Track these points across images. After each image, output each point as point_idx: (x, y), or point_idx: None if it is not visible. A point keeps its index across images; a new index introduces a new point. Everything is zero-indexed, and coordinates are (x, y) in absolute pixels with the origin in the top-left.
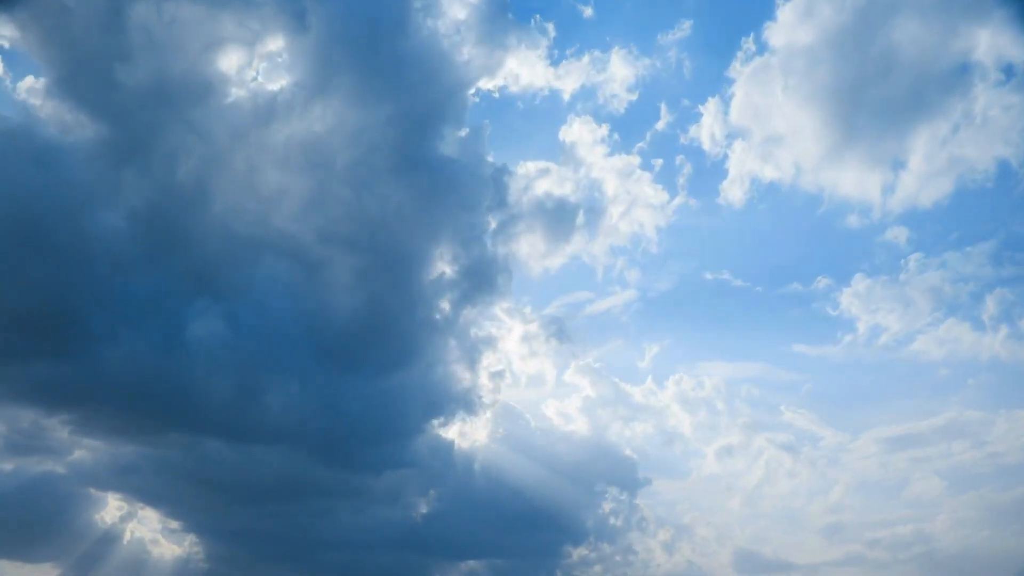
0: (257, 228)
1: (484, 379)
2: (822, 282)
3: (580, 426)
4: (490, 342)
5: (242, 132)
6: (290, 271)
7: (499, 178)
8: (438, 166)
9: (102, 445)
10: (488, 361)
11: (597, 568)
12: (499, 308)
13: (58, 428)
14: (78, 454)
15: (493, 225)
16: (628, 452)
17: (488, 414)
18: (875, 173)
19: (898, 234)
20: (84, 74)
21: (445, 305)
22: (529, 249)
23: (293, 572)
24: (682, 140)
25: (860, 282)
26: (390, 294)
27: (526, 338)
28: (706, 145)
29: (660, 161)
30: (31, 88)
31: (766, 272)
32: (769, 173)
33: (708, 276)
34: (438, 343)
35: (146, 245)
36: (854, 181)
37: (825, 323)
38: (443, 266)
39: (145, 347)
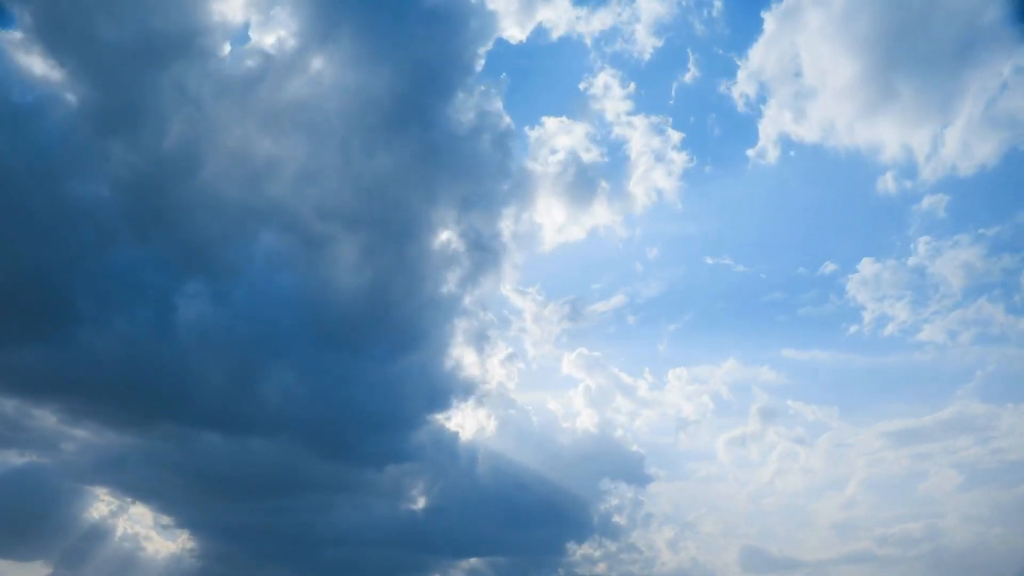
0: (252, 200)
1: (490, 366)
2: (829, 267)
3: (585, 420)
4: (497, 326)
5: (235, 92)
6: (288, 247)
7: (511, 141)
8: (447, 129)
9: (90, 436)
10: (495, 347)
11: (601, 566)
12: (509, 288)
13: (44, 418)
14: (65, 446)
15: (505, 190)
16: (635, 447)
17: (492, 405)
18: (915, 133)
19: (936, 202)
20: (63, 28)
21: (451, 283)
22: (545, 219)
23: (290, 570)
24: (709, 94)
25: (869, 266)
26: (394, 271)
27: (537, 322)
28: (735, 100)
29: (684, 119)
30: (7, 41)
31: (784, 250)
32: (802, 132)
33: (709, 261)
34: (443, 325)
35: (133, 218)
36: (892, 141)
37: (839, 312)
38: (451, 239)
39: (134, 331)
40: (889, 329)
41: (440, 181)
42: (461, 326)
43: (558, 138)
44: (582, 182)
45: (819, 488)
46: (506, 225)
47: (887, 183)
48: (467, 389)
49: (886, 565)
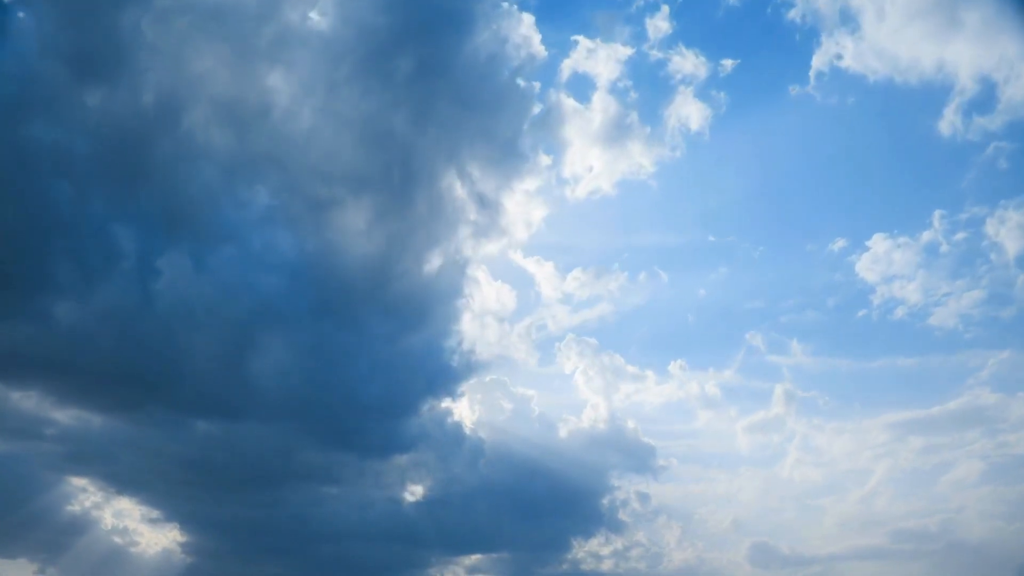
0: (244, 155)
1: (499, 342)
2: (839, 243)
3: (593, 410)
4: (510, 300)
5: (222, 26)
6: (284, 209)
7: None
8: (463, 63)
9: (71, 422)
10: (502, 326)
11: (607, 564)
12: (524, 256)
13: (21, 402)
14: (44, 432)
15: (526, 128)
16: (647, 440)
17: (497, 390)
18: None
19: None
20: None
21: (463, 247)
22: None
23: (285, 566)
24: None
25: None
26: (402, 234)
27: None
28: (787, 25)
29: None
30: None
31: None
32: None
33: (711, 239)
34: (451, 299)
35: (112, 175)
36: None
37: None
38: (465, 196)
39: (114, 302)
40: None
41: (454, 124)
42: (469, 300)
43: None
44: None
45: (825, 483)
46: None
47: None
48: (473, 369)
49: (899, 560)
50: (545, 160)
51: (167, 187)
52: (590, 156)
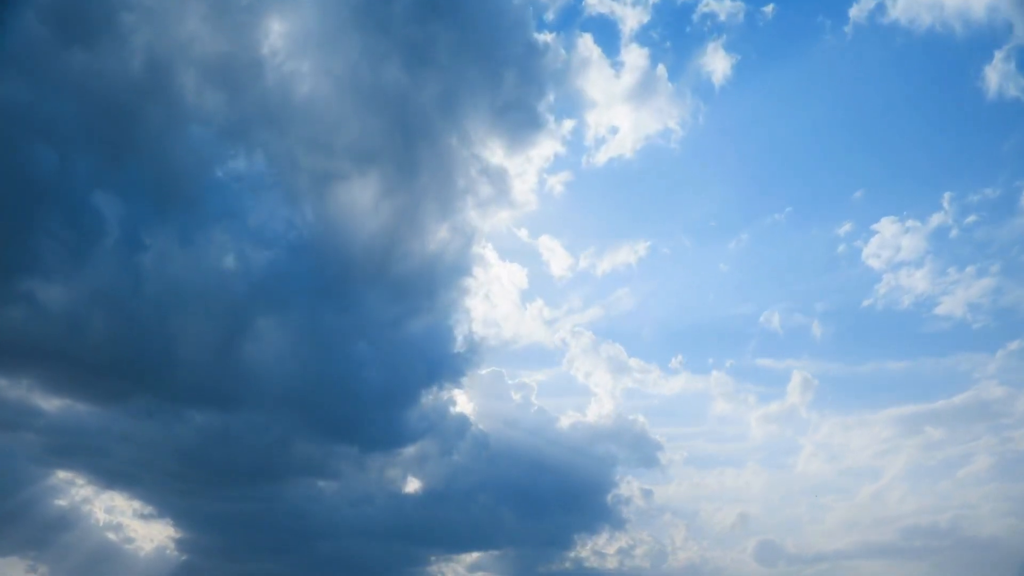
0: (235, 121)
1: (503, 326)
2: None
3: (599, 403)
4: (521, 280)
5: None
6: (281, 179)
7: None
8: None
9: (59, 412)
10: (510, 310)
11: (612, 562)
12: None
13: (5, 391)
14: (31, 423)
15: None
16: (655, 436)
17: (501, 383)
18: None
19: None
20: None
21: (471, 219)
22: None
23: (281, 564)
24: None
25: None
26: (404, 208)
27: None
28: None
29: None
30: None
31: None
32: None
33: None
34: (456, 279)
35: (97, 142)
36: None
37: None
38: (470, 164)
39: (101, 285)
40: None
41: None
42: (476, 281)
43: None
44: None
45: (830, 479)
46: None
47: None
48: (478, 356)
49: (908, 558)
50: (566, 125)
51: (156, 155)
52: (614, 115)
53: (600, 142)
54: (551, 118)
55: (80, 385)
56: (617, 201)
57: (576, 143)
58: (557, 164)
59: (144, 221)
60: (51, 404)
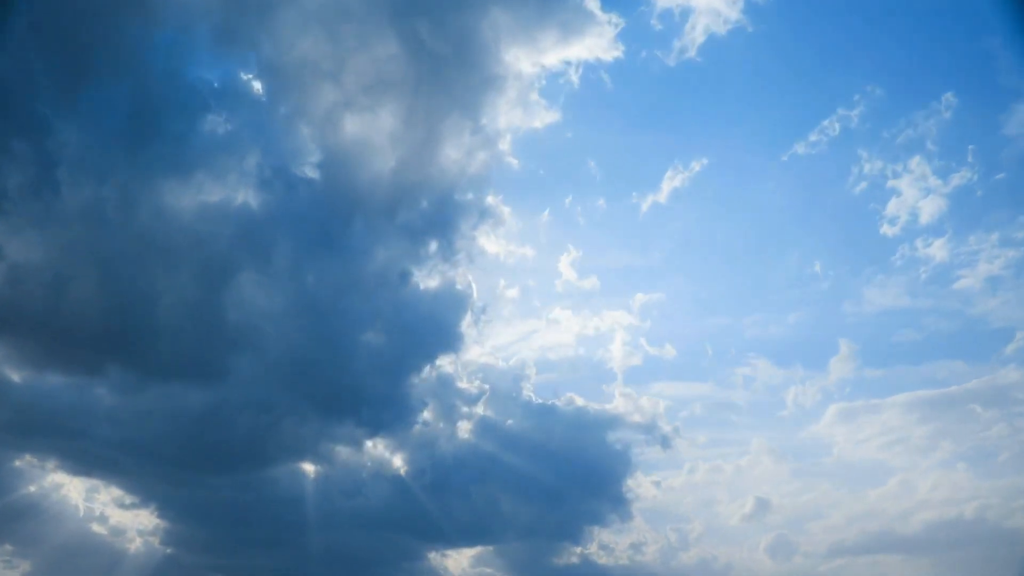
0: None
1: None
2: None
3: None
4: None
5: None
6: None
7: None
8: None
9: (23, 388)
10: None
11: (625, 555)
12: None
13: None
14: None
15: None
16: (665, 426)
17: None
18: None
19: None
20: None
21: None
22: None
23: (273, 557)
24: None
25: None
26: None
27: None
28: None
29: None
30: None
31: None
32: None
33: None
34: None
35: (58, 54)
36: None
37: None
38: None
39: (61, 233)
40: None
41: None
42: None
43: None
44: None
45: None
46: None
47: None
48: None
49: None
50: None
51: (125, 68)
52: None
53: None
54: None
55: (44, 356)
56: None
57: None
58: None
59: (111, 151)
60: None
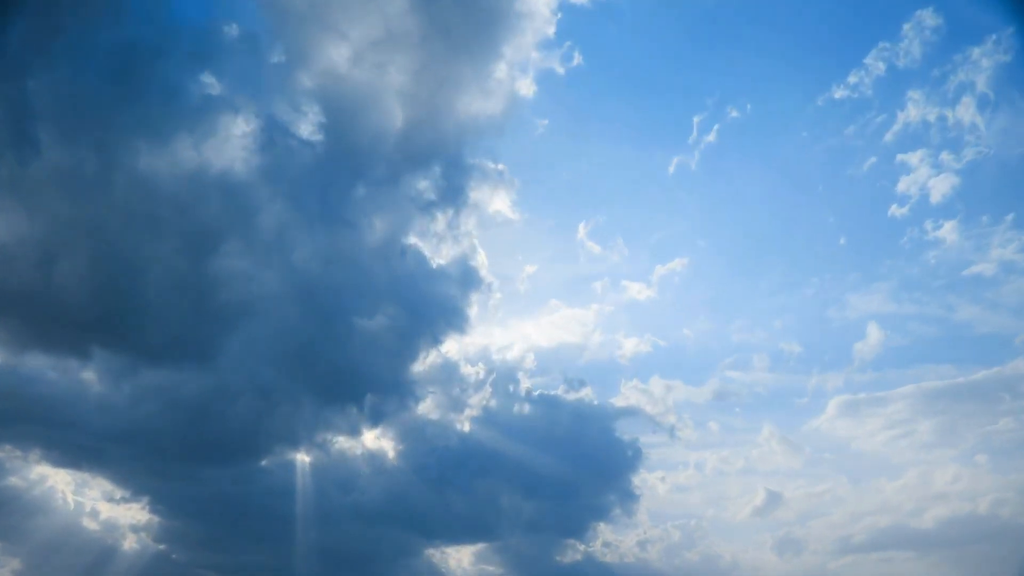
0: None
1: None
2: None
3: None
4: None
5: None
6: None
7: None
8: None
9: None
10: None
11: (630, 555)
12: None
13: None
14: None
15: None
16: (671, 418)
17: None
18: None
19: None
20: None
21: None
22: None
23: (267, 554)
24: None
25: None
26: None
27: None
28: None
29: None
30: None
31: None
32: None
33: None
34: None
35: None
36: None
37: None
38: None
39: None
40: None
41: None
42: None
43: None
44: None
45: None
46: None
47: None
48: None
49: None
50: None
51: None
52: None
53: None
54: None
55: (24, 338)
56: None
57: None
58: None
59: (95, 107)
60: None
